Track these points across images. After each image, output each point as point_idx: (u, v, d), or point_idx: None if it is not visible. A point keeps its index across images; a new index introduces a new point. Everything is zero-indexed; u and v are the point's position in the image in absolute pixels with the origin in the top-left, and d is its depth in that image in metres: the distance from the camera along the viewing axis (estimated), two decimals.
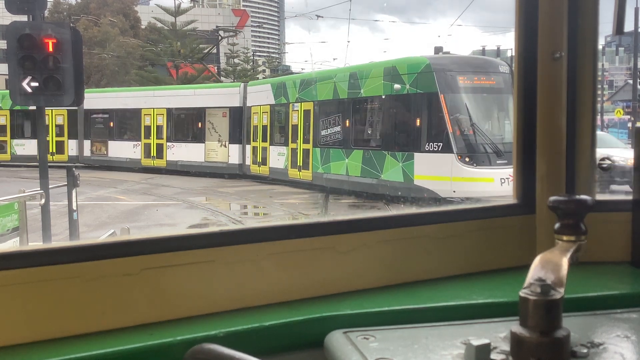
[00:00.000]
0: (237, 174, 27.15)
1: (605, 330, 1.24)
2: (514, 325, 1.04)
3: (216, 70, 48.49)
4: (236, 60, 58.56)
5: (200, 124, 29.11)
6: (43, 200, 8.98)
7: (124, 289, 1.31)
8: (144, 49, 50.70)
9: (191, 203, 20.12)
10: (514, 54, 1.79)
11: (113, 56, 49.71)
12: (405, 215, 1.66)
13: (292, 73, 57.84)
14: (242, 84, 29.08)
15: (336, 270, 1.52)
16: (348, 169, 20.99)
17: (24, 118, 32.89)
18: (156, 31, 51.30)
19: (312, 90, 23.18)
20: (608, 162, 1.79)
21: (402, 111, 19.28)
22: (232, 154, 27.73)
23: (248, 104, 27.25)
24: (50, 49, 8.76)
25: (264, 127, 26.09)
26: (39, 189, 9.27)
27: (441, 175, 17.36)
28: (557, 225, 1.18)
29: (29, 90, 8.76)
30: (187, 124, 30.36)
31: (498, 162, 16.66)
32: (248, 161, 27.09)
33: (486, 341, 1.08)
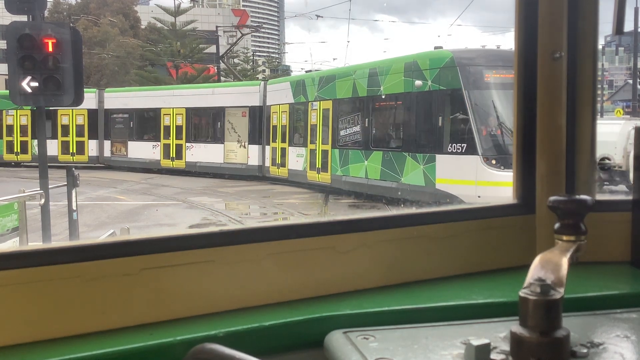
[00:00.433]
0: (257, 175, 26.29)
1: (605, 330, 1.24)
2: (513, 325, 1.05)
3: (216, 70, 48.47)
4: (236, 60, 58.57)
5: (219, 123, 28.20)
6: (43, 200, 8.99)
7: (124, 289, 1.31)
8: (144, 49, 50.71)
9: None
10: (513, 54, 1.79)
11: (113, 56, 49.72)
12: (405, 215, 1.66)
13: (291, 73, 57.77)
14: (262, 82, 27.99)
15: (336, 270, 1.52)
16: (367, 171, 19.79)
17: (46, 118, 32.67)
18: (156, 31, 51.31)
19: (331, 88, 21.96)
20: (608, 162, 1.79)
21: (424, 109, 17.96)
22: (252, 155, 26.78)
23: (267, 103, 26.23)
24: (50, 49, 8.76)
25: (283, 127, 24.99)
26: (39, 189, 9.27)
27: (465, 179, 15.99)
28: (557, 225, 1.18)
29: (29, 90, 8.77)
30: (206, 124, 29.44)
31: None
32: (267, 162, 26.05)
33: (486, 341, 1.08)
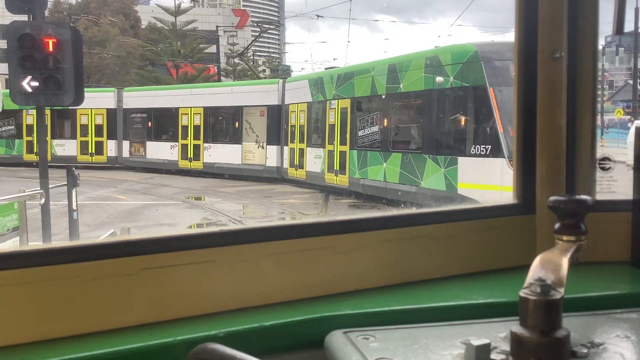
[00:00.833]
0: (275, 177, 25.42)
1: (605, 330, 1.24)
2: (514, 325, 1.05)
3: (216, 70, 48.47)
4: (236, 60, 58.58)
5: (237, 123, 27.32)
6: (43, 200, 8.99)
7: (124, 289, 1.31)
8: (144, 49, 50.72)
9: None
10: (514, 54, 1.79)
11: (113, 56, 49.73)
12: (405, 215, 1.66)
13: (292, 73, 57.69)
14: (281, 80, 26.67)
15: (336, 270, 1.52)
16: (386, 174, 18.67)
17: (65, 117, 31.95)
18: (156, 31, 51.31)
19: (349, 85, 20.84)
20: (608, 162, 1.79)
21: (445, 108, 16.66)
22: (270, 156, 25.89)
23: (286, 102, 25.23)
24: (51, 48, 8.77)
25: (301, 127, 23.97)
26: (39, 188, 9.27)
27: (489, 183, 14.49)
28: (557, 225, 1.18)
29: (29, 89, 8.77)
30: (224, 124, 28.65)
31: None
32: (286, 164, 25.04)
33: (486, 341, 1.08)
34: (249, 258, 1.43)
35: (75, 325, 1.27)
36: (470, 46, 15.94)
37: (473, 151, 15.40)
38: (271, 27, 29.96)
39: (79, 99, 9.06)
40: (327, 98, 22.11)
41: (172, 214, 18.15)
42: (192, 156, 28.71)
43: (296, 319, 1.36)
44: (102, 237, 10.16)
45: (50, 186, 9.62)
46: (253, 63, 61.31)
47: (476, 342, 1.07)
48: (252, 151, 26.60)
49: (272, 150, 25.86)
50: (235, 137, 27.41)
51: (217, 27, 56.94)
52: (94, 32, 49.08)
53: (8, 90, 9.28)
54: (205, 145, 28.22)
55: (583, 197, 1.18)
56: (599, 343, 1.16)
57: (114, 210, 18.57)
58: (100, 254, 1.30)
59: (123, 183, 25.48)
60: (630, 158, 1.69)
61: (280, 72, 64.16)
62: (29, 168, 28.30)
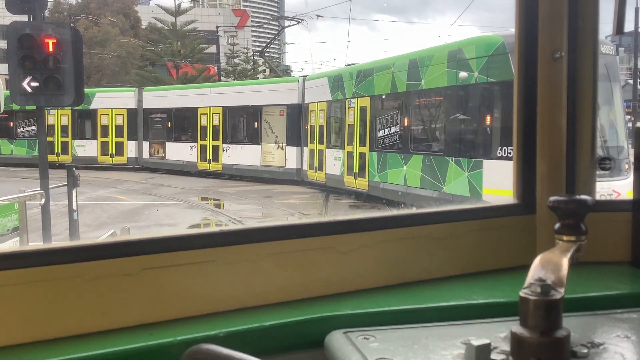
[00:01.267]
0: (295, 180, 24.40)
1: (605, 331, 1.24)
2: (514, 325, 1.04)
3: (216, 70, 48.45)
4: (236, 61, 58.61)
5: (256, 123, 26.27)
6: (43, 200, 8.99)
7: (124, 289, 1.31)
8: (144, 49, 50.77)
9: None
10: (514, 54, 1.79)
11: (113, 56, 49.76)
12: (405, 215, 1.66)
13: (292, 73, 57.56)
14: (301, 78, 25.36)
15: (336, 270, 1.52)
16: (406, 177, 17.41)
17: (85, 118, 31.62)
18: (156, 31, 51.36)
19: (368, 83, 19.57)
20: (609, 162, 1.79)
21: (469, 106, 15.39)
22: (289, 158, 24.84)
23: (306, 101, 24.14)
24: (51, 49, 8.77)
25: (321, 128, 22.81)
26: (39, 189, 9.27)
27: None
28: (557, 226, 1.18)
29: (29, 90, 8.78)
30: (243, 124, 27.53)
31: (598, 172, 12.74)
32: (305, 166, 23.91)
33: (486, 341, 1.08)
34: (249, 258, 1.43)
35: (75, 325, 1.27)
36: (497, 37, 14.60)
37: (499, 153, 14.07)
38: (293, 22, 28.73)
39: (79, 99, 9.07)
40: (346, 96, 21.01)
41: (172, 214, 18.16)
42: (211, 157, 27.93)
43: (296, 319, 1.36)
44: (102, 237, 10.16)
45: (50, 186, 9.63)
46: (253, 63, 61.33)
47: (476, 342, 1.07)
48: (272, 152, 25.68)
49: (292, 151, 24.84)
50: (254, 138, 26.45)
51: (217, 27, 56.97)
52: (94, 32, 49.11)
53: (8, 92, 9.29)
54: (224, 146, 27.37)
55: (583, 197, 1.18)
56: (599, 343, 1.16)
57: (114, 210, 18.58)
58: (100, 254, 1.30)
59: (123, 183, 25.48)
60: (630, 159, 1.69)
61: (281, 72, 64.18)
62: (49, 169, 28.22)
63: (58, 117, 31.56)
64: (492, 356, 1.08)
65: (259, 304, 1.43)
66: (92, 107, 30.87)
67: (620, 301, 1.45)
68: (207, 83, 35.54)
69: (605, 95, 13.54)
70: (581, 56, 1.70)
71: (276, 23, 28.17)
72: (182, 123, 29.86)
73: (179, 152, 29.17)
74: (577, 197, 1.18)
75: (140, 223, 16.38)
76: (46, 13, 12.03)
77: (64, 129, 31.89)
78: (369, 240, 1.55)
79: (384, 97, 19.02)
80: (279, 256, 1.46)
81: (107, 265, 1.30)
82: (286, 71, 65.32)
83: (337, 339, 1.25)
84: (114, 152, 31.31)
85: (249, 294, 1.42)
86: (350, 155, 20.72)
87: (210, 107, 27.68)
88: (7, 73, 8.92)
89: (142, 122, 30.88)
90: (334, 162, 21.61)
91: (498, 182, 13.45)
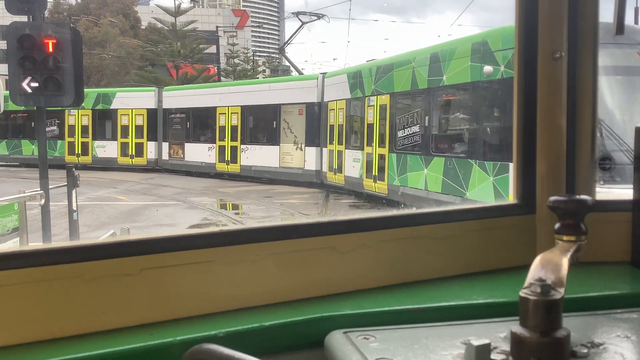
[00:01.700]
0: (314, 182, 23.35)
1: (605, 331, 1.24)
2: (514, 325, 1.04)
3: (216, 70, 48.45)
4: (236, 61, 58.62)
5: (274, 123, 25.24)
6: (43, 201, 8.99)
7: (124, 289, 1.31)
8: (144, 49, 50.79)
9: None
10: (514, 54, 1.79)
11: (113, 56, 49.78)
12: (405, 215, 1.66)
13: (291, 73, 57.49)
14: (321, 75, 24.13)
15: (336, 270, 1.52)
16: (427, 181, 16.27)
17: (106, 118, 31.03)
18: (156, 31, 51.36)
19: (388, 79, 18.40)
20: (609, 162, 1.79)
21: (494, 103, 14.34)
22: (309, 159, 23.83)
23: (325, 99, 23.11)
24: (50, 49, 8.78)
25: (340, 127, 21.73)
26: (39, 189, 9.27)
27: None
28: (557, 225, 1.18)
29: (29, 90, 8.78)
30: (262, 124, 26.52)
31: None
32: (325, 167, 22.91)
33: (486, 341, 1.08)
34: (249, 258, 1.43)
35: (75, 325, 1.27)
36: None
37: None
38: (313, 18, 27.82)
39: (78, 99, 9.08)
40: (365, 94, 19.83)
41: (172, 214, 18.17)
42: (229, 159, 27.08)
43: (296, 319, 1.36)
44: (102, 237, 10.16)
45: (50, 187, 9.63)
46: (253, 63, 61.34)
47: (476, 342, 1.07)
48: (290, 153, 24.68)
49: (311, 152, 23.80)
50: (272, 138, 25.44)
51: (217, 27, 56.99)
52: (94, 32, 49.12)
53: (8, 92, 9.29)
54: (243, 146, 26.47)
55: (583, 197, 1.18)
56: (599, 343, 1.16)
57: (114, 210, 18.58)
58: (100, 254, 1.30)
59: (123, 183, 25.48)
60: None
61: (281, 72, 64.20)
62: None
63: (79, 117, 31.06)
64: (492, 356, 1.08)
65: (259, 304, 1.43)
66: (112, 107, 30.46)
67: (620, 301, 1.45)
68: (226, 82, 34.64)
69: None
70: (581, 56, 1.70)
71: (296, 19, 26.70)
72: (201, 123, 29.03)
73: (198, 153, 28.41)
74: (577, 197, 1.18)
75: (140, 223, 16.39)
76: (46, 13, 12.04)
77: (84, 129, 31.30)
78: (369, 240, 1.55)
79: (404, 94, 17.81)
80: (279, 256, 1.46)
81: (107, 265, 1.30)
82: (286, 71, 65.28)
83: (337, 339, 1.25)
84: (133, 153, 30.69)
85: (249, 294, 1.42)
86: (369, 156, 19.61)
87: (228, 106, 26.91)
88: (7, 73, 8.93)
89: (162, 123, 30.26)
90: (353, 164, 20.62)
91: None
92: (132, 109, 30.29)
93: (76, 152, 31.13)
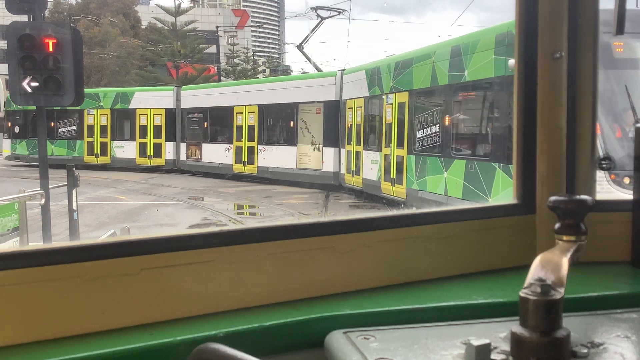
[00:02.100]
0: (332, 184, 22.46)
1: (605, 330, 1.24)
2: (514, 325, 1.04)
3: (216, 70, 48.44)
4: (236, 61, 58.64)
5: (292, 122, 24.21)
6: (43, 200, 9.00)
7: (124, 289, 1.31)
8: (144, 49, 50.79)
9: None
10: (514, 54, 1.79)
11: (113, 56, 49.78)
12: (405, 215, 1.66)
13: (291, 73, 57.39)
14: (339, 72, 22.86)
15: (336, 270, 1.52)
16: (447, 186, 15.14)
17: (124, 118, 30.37)
18: (156, 31, 51.35)
19: (407, 75, 17.16)
20: (609, 162, 1.80)
21: None
22: (327, 160, 22.74)
23: (343, 97, 22.03)
24: (51, 49, 8.78)
25: (358, 127, 20.68)
26: (39, 189, 9.28)
27: None
28: (557, 225, 1.18)
29: (29, 90, 8.79)
30: (279, 123, 25.57)
31: None
32: (343, 169, 21.92)
33: (486, 341, 1.08)
34: (249, 258, 1.42)
35: (75, 325, 1.27)
36: None
37: None
38: (334, 13, 26.90)
39: (78, 99, 9.08)
40: (383, 91, 18.61)
41: (172, 214, 18.17)
42: (246, 160, 26.11)
43: (296, 319, 1.36)
44: (102, 237, 10.16)
45: (50, 187, 9.63)
46: (253, 63, 61.34)
47: (476, 342, 1.07)
48: (308, 154, 23.57)
49: (329, 153, 22.72)
50: (290, 139, 24.40)
51: (217, 27, 57.00)
52: (94, 32, 49.12)
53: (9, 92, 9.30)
54: (260, 147, 25.49)
55: (583, 197, 1.18)
56: (599, 343, 1.16)
57: (114, 210, 18.58)
58: (100, 254, 1.30)
59: (123, 183, 25.47)
60: None
61: (280, 72, 64.21)
62: (90, 171, 26.38)
63: (97, 117, 30.46)
64: (492, 356, 1.08)
65: (259, 304, 1.43)
66: (130, 106, 29.93)
67: (620, 301, 1.45)
68: (243, 80, 33.87)
69: None
70: (581, 56, 1.70)
71: (315, 14, 25.77)
72: (218, 123, 28.16)
73: (215, 153, 27.59)
74: (577, 197, 1.18)
75: (140, 223, 16.39)
76: (46, 13, 12.03)
77: (103, 129, 30.59)
78: (369, 240, 1.55)
79: (423, 91, 16.57)
80: (279, 256, 1.46)
81: (107, 265, 1.30)
82: (286, 71, 65.29)
83: (337, 339, 1.25)
84: (152, 154, 30.00)
85: (249, 294, 1.42)
86: (387, 158, 18.38)
87: (245, 105, 26.09)
88: (7, 73, 8.93)
89: (180, 123, 29.56)
90: (372, 166, 19.40)
91: None
92: (150, 109, 29.68)
93: (95, 152, 30.57)
